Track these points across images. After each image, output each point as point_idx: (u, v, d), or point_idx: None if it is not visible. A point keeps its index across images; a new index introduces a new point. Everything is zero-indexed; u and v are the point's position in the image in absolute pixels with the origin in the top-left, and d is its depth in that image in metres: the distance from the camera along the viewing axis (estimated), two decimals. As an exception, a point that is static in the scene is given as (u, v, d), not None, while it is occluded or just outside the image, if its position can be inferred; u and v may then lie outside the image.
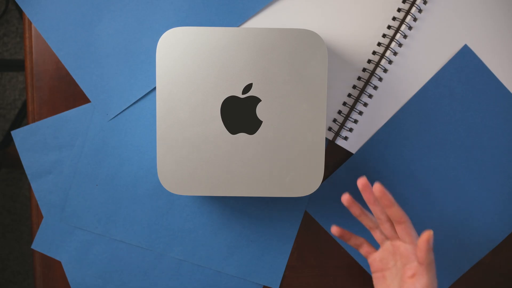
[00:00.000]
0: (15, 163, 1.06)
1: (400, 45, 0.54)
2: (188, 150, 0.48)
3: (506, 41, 0.55)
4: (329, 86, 0.54)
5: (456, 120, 0.55)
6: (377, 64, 0.54)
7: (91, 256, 0.56)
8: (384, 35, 0.54)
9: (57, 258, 0.56)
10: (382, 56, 0.54)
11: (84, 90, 0.55)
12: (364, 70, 0.54)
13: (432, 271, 0.44)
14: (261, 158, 0.48)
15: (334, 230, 0.48)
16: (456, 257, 0.56)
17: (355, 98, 0.54)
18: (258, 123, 0.48)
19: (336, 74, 0.54)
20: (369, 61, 0.54)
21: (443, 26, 0.55)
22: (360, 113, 0.55)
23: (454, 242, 0.56)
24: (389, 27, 0.54)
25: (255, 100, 0.47)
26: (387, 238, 0.47)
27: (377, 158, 0.55)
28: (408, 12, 0.54)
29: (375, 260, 0.48)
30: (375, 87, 0.55)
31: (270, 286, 0.56)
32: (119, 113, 0.55)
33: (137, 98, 0.55)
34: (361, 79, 0.54)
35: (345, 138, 0.55)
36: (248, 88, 0.47)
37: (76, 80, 0.55)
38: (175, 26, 0.53)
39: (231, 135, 0.48)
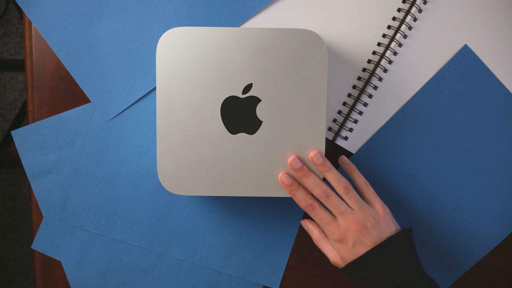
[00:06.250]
0: (15, 163, 1.06)
1: (400, 45, 0.54)
2: (188, 150, 0.48)
3: (506, 41, 0.55)
4: (329, 86, 0.54)
5: (456, 120, 0.55)
6: (377, 64, 0.54)
7: (91, 256, 0.56)
8: (384, 35, 0.54)
9: (57, 258, 0.56)
10: (382, 56, 0.54)
11: (84, 90, 0.55)
12: (364, 70, 0.54)
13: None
14: (261, 158, 0.48)
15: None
16: (456, 257, 0.56)
17: (355, 98, 0.54)
18: (258, 123, 0.47)
19: (336, 74, 0.54)
20: (369, 61, 0.54)
21: (443, 26, 0.55)
22: (360, 113, 0.55)
23: (454, 242, 0.56)
24: (389, 27, 0.54)
25: (255, 100, 0.47)
26: None
27: (377, 158, 0.55)
28: (408, 12, 0.54)
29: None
30: (375, 87, 0.55)
31: (270, 286, 0.56)
32: (119, 113, 0.55)
33: (137, 98, 0.55)
34: (361, 79, 0.54)
35: (345, 138, 0.55)
36: (248, 88, 0.47)
37: (76, 80, 0.55)
38: (175, 26, 0.53)
39: (231, 135, 0.48)
